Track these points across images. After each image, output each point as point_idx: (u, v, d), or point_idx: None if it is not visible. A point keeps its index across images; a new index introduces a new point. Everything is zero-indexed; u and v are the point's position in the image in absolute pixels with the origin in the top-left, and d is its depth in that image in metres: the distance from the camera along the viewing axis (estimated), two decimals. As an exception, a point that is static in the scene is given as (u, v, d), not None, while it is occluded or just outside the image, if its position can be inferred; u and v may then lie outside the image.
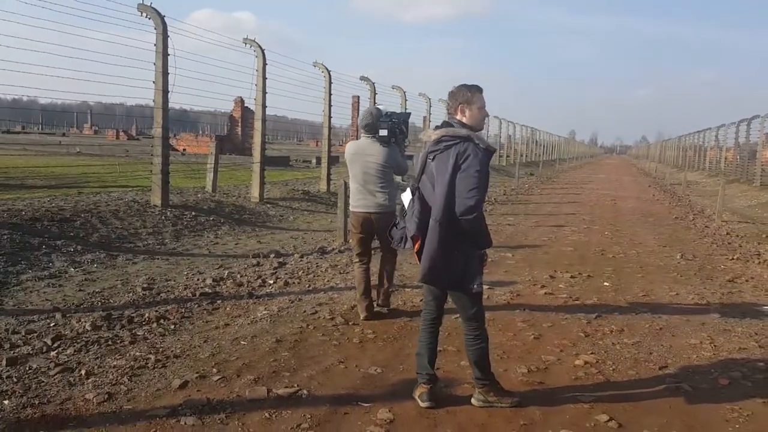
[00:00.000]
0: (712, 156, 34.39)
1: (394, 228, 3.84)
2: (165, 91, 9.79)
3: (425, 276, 3.53)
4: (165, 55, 9.73)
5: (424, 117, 23.32)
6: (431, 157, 3.59)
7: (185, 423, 3.34)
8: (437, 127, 3.70)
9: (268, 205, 12.06)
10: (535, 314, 5.69)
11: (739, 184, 23.42)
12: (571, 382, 4.14)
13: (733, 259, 8.97)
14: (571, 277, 7.35)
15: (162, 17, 9.67)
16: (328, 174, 15.19)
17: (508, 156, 38.48)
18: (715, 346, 4.96)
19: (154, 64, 9.71)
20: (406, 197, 3.75)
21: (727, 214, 14.89)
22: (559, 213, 14.52)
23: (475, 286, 3.58)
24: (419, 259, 3.58)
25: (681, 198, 20.14)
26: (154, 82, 9.74)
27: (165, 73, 9.73)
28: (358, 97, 27.41)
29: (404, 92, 20.35)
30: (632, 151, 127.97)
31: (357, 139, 5.71)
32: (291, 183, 16.47)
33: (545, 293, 6.52)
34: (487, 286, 6.54)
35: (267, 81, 12.51)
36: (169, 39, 9.76)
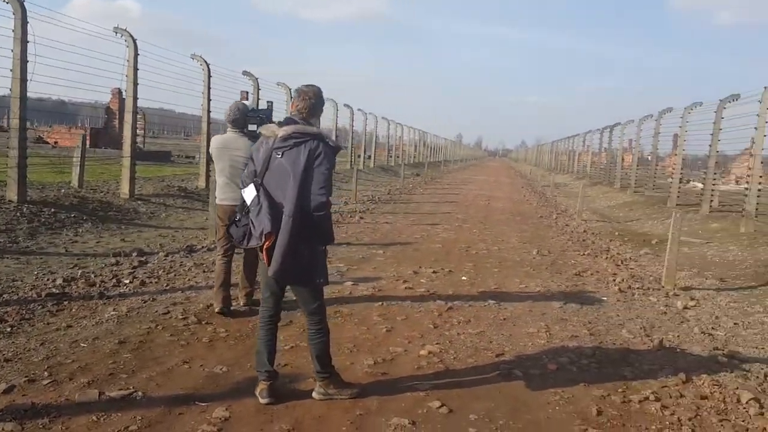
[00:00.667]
0: (581, 160, 37.08)
1: (234, 226, 3.78)
2: (23, 80, 9.20)
3: (277, 271, 3.52)
4: (24, 41, 9.16)
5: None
6: (279, 154, 3.59)
7: (3, 429, 3.17)
8: (280, 123, 3.75)
9: (139, 202, 11.53)
10: (392, 308, 5.90)
11: (602, 186, 25.44)
12: (413, 372, 4.33)
13: (584, 254, 9.75)
14: (434, 272, 7.67)
15: (21, 2, 9.08)
16: (207, 170, 14.76)
17: (397, 156, 39.28)
18: (550, 334, 5.38)
19: (12, 51, 9.10)
20: (249, 193, 3.67)
21: (588, 213, 16.17)
22: (436, 212, 15.05)
23: (321, 280, 3.69)
24: (267, 256, 3.57)
25: (548, 199, 21.55)
26: (11, 70, 9.12)
27: (24, 61, 9.15)
28: (247, 92, 26.79)
29: (290, 89, 20.19)
30: (513, 155, 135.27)
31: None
32: (168, 179, 15.85)
33: (406, 287, 6.76)
34: (352, 282, 6.71)
35: (139, 72, 11.99)
36: (29, 25, 9.19)
